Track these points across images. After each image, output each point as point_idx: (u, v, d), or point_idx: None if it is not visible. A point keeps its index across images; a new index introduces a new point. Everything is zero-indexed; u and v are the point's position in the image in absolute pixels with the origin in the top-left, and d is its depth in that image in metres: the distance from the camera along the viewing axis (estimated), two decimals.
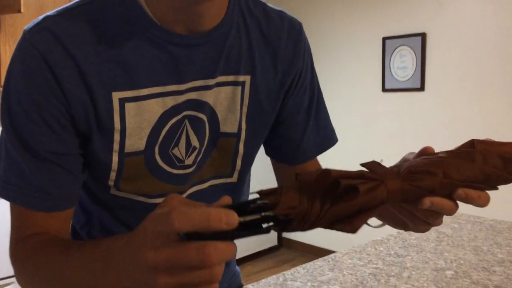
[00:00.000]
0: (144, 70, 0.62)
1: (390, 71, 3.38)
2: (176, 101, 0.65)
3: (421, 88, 3.24)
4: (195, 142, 0.68)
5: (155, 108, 0.64)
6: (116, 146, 0.64)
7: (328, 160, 3.58)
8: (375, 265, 1.02)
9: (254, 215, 0.43)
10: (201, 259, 0.40)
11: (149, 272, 0.42)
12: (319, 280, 0.94)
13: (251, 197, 0.51)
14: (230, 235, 0.42)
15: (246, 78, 0.70)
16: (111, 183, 0.67)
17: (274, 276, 0.97)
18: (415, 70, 3.25)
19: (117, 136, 0.63)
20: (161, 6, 0.62)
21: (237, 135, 0.72)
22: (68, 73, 0.59)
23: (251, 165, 0.78)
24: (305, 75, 0.76)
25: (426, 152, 0.56)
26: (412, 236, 1.22)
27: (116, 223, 0.74)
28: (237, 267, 0.97)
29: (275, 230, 0.46)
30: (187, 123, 0.67)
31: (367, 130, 3.55)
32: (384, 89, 3.43)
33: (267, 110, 0.73)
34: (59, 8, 0.62)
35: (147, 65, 0.62)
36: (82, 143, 0.63)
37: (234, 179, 0.76)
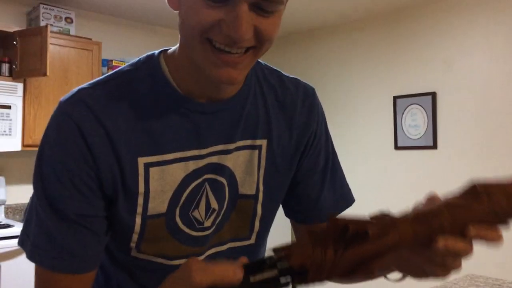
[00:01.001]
0: (169, 137, 0.67)
1: (402, 129, 3.42)
2: (197, 165, 0.68)
3: (434, 146, 3.26)
4: (214, 204, 0.71)
5: (177, 172, 0.67)
6: (139, 209, 0.67)
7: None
8: None
9: (271, 271, 0.45)
10: None
11: None
12: None
13: (266, 254, 0.52)
14: None
15: (263, 142, 0.73)
16: (133, 245, 0.69)
17: None
18: (427, 128, 3.29)
19: (140, 200, 0.66)
20: (184, 78, 0.67)
21: (255, 196, 0.74)
22: (99, 141, 0.64)
23: (270, 227, 0.80)
24: (320, 137, 0.80)
25: (432, 199, 0.57)
26: None
27: (134, 286, 0.76)
28: None
29: (293, 284, 0.47)
30: (207, 186, 0.70)
31: (381, 187, 3.54)
32: (396, 147, 3.45)
33: (283, 172, 0.76)
34: (93, 81, 0.68)
35: (172, 132, 0.67)
36: (107, 206, 0.67)
37: (252, 240, 0.78)
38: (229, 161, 0.71)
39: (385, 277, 0.62)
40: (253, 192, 0.74)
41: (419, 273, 0.60)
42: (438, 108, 3.25)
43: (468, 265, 2.71)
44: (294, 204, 0.82)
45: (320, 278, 0.48)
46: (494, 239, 0.55)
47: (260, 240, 0.79)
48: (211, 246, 0.74)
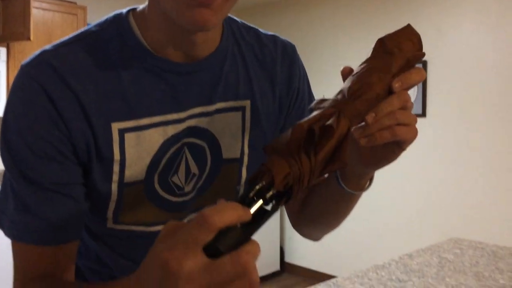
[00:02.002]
0: (143, 100, 0.63)
1: None
2: (176, 129, 0.66)
3: (423, 114, 3.27)
4: (194, 169, 0.69)
5: (155, 137, 0.64)
6: (115, 177, 0.64)
7: None
8: None
9: (258, 202, 0.44)
10: (239, 270, 0.40)
11: None
12: None
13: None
14: (246, 234, 0.42)
15: (246, 103, 0.71)
16: (109, 214, 0.66)
17: None
18: (416, 96, 3.29)
19: (116, 167, 0.63)
20: (156, 36, 0.63)
21: (240, 160, 0.72)
22: (69, 105, 0.60)
23: None
24: (303, 94, 0.78)
25: (345, 73, 0.57)
26: (413, 261, 1.23)
27: (113, 256, 0.74)
28: None
29: (281, 205, 0.46)
30: (187, 150, 0.68)
31: None
32: None
33: (268, 133, 0.74)
34: (56, 42, 0.63)
35: (146, 95, 0.63)
36: (83, 173, 0.64)
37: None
38: (209, 124, 0.68)
39: (363, 189, 0.64)
40: (238, 155, 0.72)
41: (377, 157, 0.60)
42: (428, 76, 3.25)
43: (452, 229, 2.78)
44: None
45: (302, 189, 0.47)
46: (419, 78, 0.56)
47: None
48: (192, 211, 0.72)
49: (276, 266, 4.03)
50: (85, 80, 0.61)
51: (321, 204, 0.72)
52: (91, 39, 0.63)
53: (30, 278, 0.63)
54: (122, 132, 0.62)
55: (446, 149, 3.18)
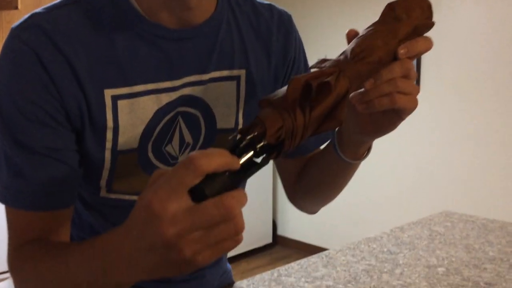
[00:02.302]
0: (137, 67, 0.62)
1: None
2: (170, 97, 0.65)
3: (417, 82, 3.25)
4: (188, 138, 0.68)
5: (149, 105, 0.64)
6: (108, 144, 0.63)
7: None
8: (368, 262, 1.03)
9: (248, 153, 0.43)
10: (224, 213, 0.39)
11: (170, 248, 0.40)
12: (313, 276, 0.96)
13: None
14: (234, 182, 0.41)
15: (241, 72, 0.70)
16: (103, 183, 0.66)
17: (268, 272, 0.98)
18: None
19: (109, 134, 0.63)
20: (153, 4, 0.62)
21: (234, 130, 0.72)
22: (60, 69, 0.59)
23: None
24: (299, 64, 0.77)
25: (350, 35, 0.56)
26: (405, 234, 1.24)
27: (107, 225, 0.73)
28: (229, 265, 0.97)
29: (272, 158, 0.46)
30: (180, 119, 0.67)
31: None
32: None
33: None
34: (47, 6, 0.62)
35: (139, 62, 0.62)
36: (77, 139, 0.63)
37: None
38: (203, 93, 0.67)
39: (359, 159, 0.64)
40: (232, 125, 0.72)
41: (376, 125, 0.60)
42: None
43: (442, 203, 2.82)
44: None
45: (294, 144, 0.47)
46: (425, 47, 0.56)
47: None
48: None
49: (268, 239, 4.07)
50: (78, 44, 0.60)
51: (318, 175, 0.72)
52: (84, 3, 0.62)
53: (23, 243, 0.63)
54: (115, 98, 0.62)
55: (438, 123, 3.18)
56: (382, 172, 3.47)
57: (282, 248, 4.13)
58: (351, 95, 0.52)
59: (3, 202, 0.63)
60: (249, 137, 0.44)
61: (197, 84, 0.67)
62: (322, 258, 1.06)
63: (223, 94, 0.69)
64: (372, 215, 3.54)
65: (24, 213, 0.62)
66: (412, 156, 3.31)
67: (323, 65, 0.52)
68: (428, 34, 2.40)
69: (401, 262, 1.03)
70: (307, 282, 0.93)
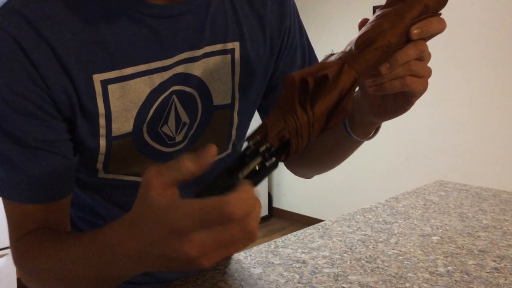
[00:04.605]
0: (125, 48, 0.59)
1: None
2: (163, 77, 0.62)
3: None
4: (185, 117, 0.66)
5: (141, 88, 0.61)
6: (102, 131, 0.61)
7: None
8: (363, 232, 1.04)
9: (256, 159, 0.43)
10: (226, 212, 0.38)
11: (175, 251, 0.40)
12: (309, 247, 0.97)
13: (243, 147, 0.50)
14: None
15: (235, 45, 0.67)
16: (99, 165, 0.65)
17: (265, 243, 0.99)
18: None
19: (102, 121, 0.61)
20: None
21: (231, 105, 0.70)
22: (44, 57, 0.55)
23: (246, 134, 0.76)
24: (294, 33, 0.74)
25: (361, 25, 0.54)
26: (400, 204, 1.25)
27: (106, 205, 0.73)
28: None
29: (281, 161, 0.45)
30: (175, 99, 0.65)
31: None
32: None
33: (259, 76, 0.71)
34: None
35: (128, 43, 0.59)
36: (69, 129, 0.61)
37: (229, 150, 0.75)
38: (197, 69, 0.65)
39: (363, 140, 0.64)
40: (229, 101, 0.69)
41: (384, 107, 0.59)
42: None
43: (437, 173, 2.84)
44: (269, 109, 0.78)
45: (303, 143, 0.46)
46: (439, 28, 0.53)
47: (235, 149, 0.77)
48: None
49: (264, 211, 4.11)
50: (61, 29, 0.56)
51: (323, 148, 0.71)
52: None
53: (23, 234, 0.62)
54: (105, 83, 0.59)
55: (432, 92, 3.18)
56: (377, 143, 3.48)
57: (278, 220, 4.18)
58: (365, 81, 0.51)
59: (0, 195, 0.62)
60: (251, 142, 0.44)
61: (190, 61, 0.64)
62: (318, 229, 1.07)
63: (217, 69, 0.67)
64: (367, 186, 3.57)
65: (22, 205, 0.61)
66: (406, 126, 3.32)
67: (329, 60, 0.50)
68: None
69: (396, 231, 1.04)
70: (304, 253, 0.94)
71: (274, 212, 4.22)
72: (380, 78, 0.52)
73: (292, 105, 0.45)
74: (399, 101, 0.58)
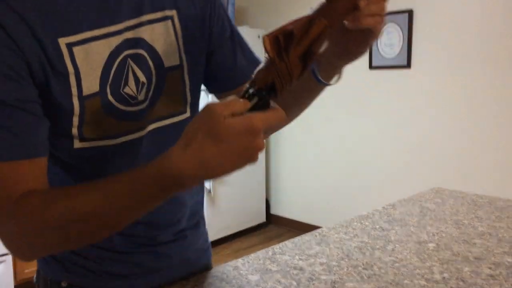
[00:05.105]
0: (80, 15, 0.69)
1: (377, 48, 3.40)
2: (118, 40, 0.72)
3: (408, 65, 3.26)
4: (142, 77, 0.75)
5: (101, 49, 0.70)
6: (74, 90, 0.68)
7: (318, 136, 3.60)
8: (360, 239, 1.05)
9: (254, 99, 0.59)
10: (245, 124, 0.54)
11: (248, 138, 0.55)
12: (306, 254, 0.97)
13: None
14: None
15: (173, 13, 0.78)
16: (74, 131, 0.70)
17: (263, 250, 1.00)
18: (401, 47, 3.27)
19: (72, 79, 0.68)
20: None
21: (180, 66, 0.79)
22: (15, 24, 0.63)
23: (199, 98, 0.86)
24: (219, 6, 0.86)
25: None
26: (396, 211, 1.26)
27: (86, 180, 0.76)
28: (209, 240, 1.01)
29: (272, 96, 0.60)
30: (130, 61, 0.73)
31: (354, 106, 3.58)
32: (371, 66, 3.45)
33: (199, 38, 0.82)
34: None
35: (83, 11, 0.69)
36: (44, 92, 0.67)
37: (188, 113, 0.83)
38: (144, 33, 0.75)
39: (328, 83, 0.76)
40: (178, 62, 0.79)
41: (354, 42, 0.69)
42: (414, 27, 3.22)
43: (433, 180, 2.84)
44: (215, 75, 0.87)
45: (286, 83, 0.60)
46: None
47: (194, 112, 0.84)
48: (151, 121, 0.78)
49: (262, 218, 4.11)
50: (26, 2, 0.65)
51: (295, 92, 0.81)
52: None
53: (18, 196, 0.64)
54: (69, 46, 0.68)
55: (429, 101, 3.20)
56: (373, 151, 3.50)
57: (276, 227, 4.17)
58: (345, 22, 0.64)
59: None
60: (247, 85, 0.60)
61: (137, 27, 0.74)
62: (316, 236, 1.08)
63: (162, 34, 0.77)
64: (364, 193, 3.58)
65: (5, 165, 0.64)
66: (403, 134, 3.34)
67: (307, 14, 0.62)
68: (419, 9, 2.40)
69: (392, 238, 1.05)
70: (301, 259, 0.95)
71: (272, 219, 4.22)
72: (358, 12, 0.62)
73: (272, 58, 0.59)
74: (358, 42, 0.69)
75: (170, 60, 0.78)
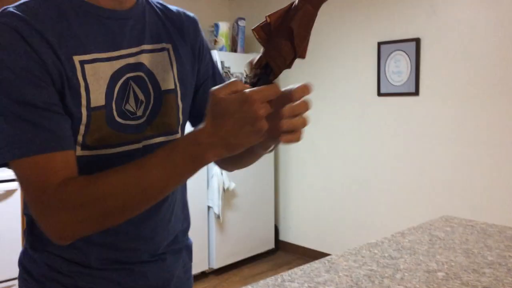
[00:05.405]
0: (91, 40, 0.80)
1: (386, 75, 3.43)
2: (120, 64, 0.82)
3: (416, 92, 3.29)
4: (141, 96, 0.85)
5: (106, 70, 0.81)
6: (83, 101, 0.78)
7: (327, 163, 3.60)
8: (369, 267, 1.05)
9: (254, 77, 0.70)
10: (243, 97, 0.64)
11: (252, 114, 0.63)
12: (315, 281, 0.98)
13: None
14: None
15: (168, 46, 0.91)
16: (79, 138, 0.79)
17: (272, 277, 1.00)
18: (409, 74, 3.30)
19: (83, 92, 0.77)
20: None
21: (175, 91, 0.89)
22: (38, 42, 0.74)
23: (186, 121, 0.96)
24: (206, 47, 0.99)
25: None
26: (405, 239, 1.26)
27: None
28: (190, 239, 1.04)
29: (271, 74, 0.69)
30: (132, 83, 0.84)
31: (363, 133, 3.59)
32: (379, 94, 3.47)
33: (189, 71, 0.94)
34: (15, 4, 0.77)
35: (92, 35, 0.80)
36: (60, 99, 0.76)
37: (179, 134, 0.92)
38: (144, 59, 0.86)
39: (267, 151, 0.83)
40: (173, 86, 0.89)
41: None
42: (422, 54, 3.25)
43: (442, 208, 2.82)
44: (197, 111, 0.97)
45: (279, 60, 0.69)
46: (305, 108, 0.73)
47: (183, 132, 0.94)
48: (148, 137, 0.86)
49: (270, 245, 4.09)
50: (46, 24, 0.75)
51: (244, 156, 0.89)
52: None
53: (56, 185, 0.72)
54: (82, 63, 0.78)
55: (438, 128, 3.21)
56: (383, 178, 3.49)
57: (284, 254, 4.14)
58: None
59: (13, 158, 0.72)
60: (246, 68, 0.72)
61: (139, 54, 0.85)
62: (325, 263, 1.08)
63: (159, 61, 0.88)
64: (374, 221, 3.56)
65: (40, 158, 0.72)
66: (412, 162, 3.34)
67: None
68: (426, 38, 2.43)
69: (401, 267, 1.05)
70: (310, 287, 0.95)
71: (281, 246, 4.19)
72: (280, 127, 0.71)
73: (263, 43, 0.70)
74: (272, 143, 0.79)
75: (166, 84, 0.88)
